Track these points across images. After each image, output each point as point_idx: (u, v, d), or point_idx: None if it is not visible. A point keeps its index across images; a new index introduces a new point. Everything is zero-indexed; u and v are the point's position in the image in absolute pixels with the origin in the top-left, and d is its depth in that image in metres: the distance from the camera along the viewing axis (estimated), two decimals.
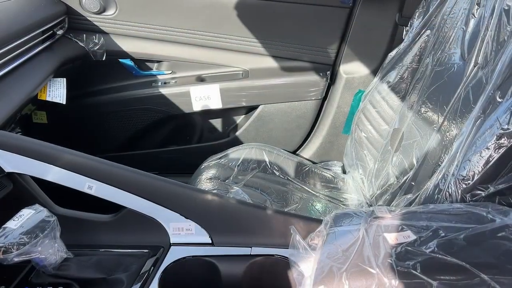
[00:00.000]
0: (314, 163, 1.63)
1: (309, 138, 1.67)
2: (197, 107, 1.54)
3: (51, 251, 0.70)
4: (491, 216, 0.73)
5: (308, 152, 1.68)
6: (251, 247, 0.82)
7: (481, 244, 0.68)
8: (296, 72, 1.53)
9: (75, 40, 1.45)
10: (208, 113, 1.61)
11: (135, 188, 0.81)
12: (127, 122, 1.59)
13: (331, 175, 1.51)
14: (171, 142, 1.67)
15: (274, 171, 1.43)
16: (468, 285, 0.64)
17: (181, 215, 0.82)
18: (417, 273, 0.64)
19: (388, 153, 1.26)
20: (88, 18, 1.46)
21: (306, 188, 1.42)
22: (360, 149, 1.43)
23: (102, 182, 0.80)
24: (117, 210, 0.85)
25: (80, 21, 1.45)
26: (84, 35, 1.46)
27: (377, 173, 1.31)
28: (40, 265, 0.71)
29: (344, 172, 1.58)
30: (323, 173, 1.51)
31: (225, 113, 1.63)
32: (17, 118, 1.26)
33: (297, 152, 1.69)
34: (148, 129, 1.62)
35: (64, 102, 1.29)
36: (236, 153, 1.44)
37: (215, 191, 1.26)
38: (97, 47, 1.47)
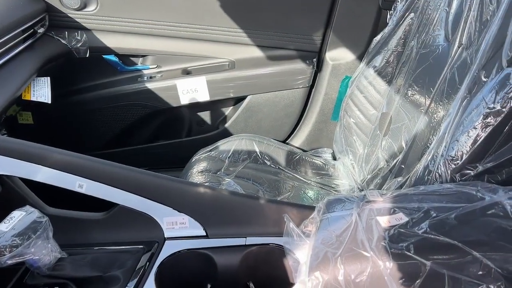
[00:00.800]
0: (304, 151, 1.64)
1: (298, 126, 1.67)
2: (184, 100, 1.53)
3: (44, 252, 0.70)
4: (480, 195, 0.74)
5: (298, 140, 1.68)
6: (245, 237, 0.82)
7: (472, 223, 0.69)
8: (282, 60, 1.53)
9: (57, 37, 1.43)
10: (196, 106, 1.60)
11: (126, 184, 0.80)
12: (115, 119, 1.57)
13: (322, 162, 1.52)
14: (160, 137, 1.66)
15: (265, 161, 1.43)
16: (460, 263, 0.66)
17: (174, 209, 0.82)
18: (410, 254, 0.65)
19: (377, 138, 1.27)
20: (69, 15, 1.43)
21: (298, 176, 1.43)
22: (349, 135, 1.43)
23: (93, 180, 0.79)
24: (110, 207, 0.84)
25: (61, 18, 1.43)
26: (66, 32, 1.44)
27: (367, 158, 1.32)
28: (34, 266, 0.71)
29: (334, 158, 1.59)
30: (313, 160, 1.52)
31: (213, 105, 1.62)
32: (2, 120, 1.24)
33: (287, 141, 1.70)
34: (136, 125, 1.61)
35: (49, 102, 1.27)
36: (226, 145, 1.44)
37: (207, 183, 1.26)
38: (80, 44, 1.45)
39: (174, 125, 1.65)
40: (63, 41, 1.43)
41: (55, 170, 0.78)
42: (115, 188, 0.80)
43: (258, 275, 0.82)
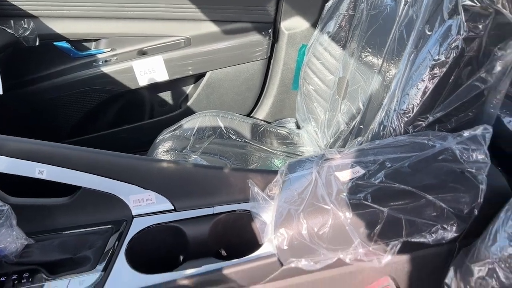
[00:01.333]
0: (268, 123, 1.65)
1: (261, 99, 1.68)
2: (143, 81, 1.51)
3: (9, 240, 0.69)
4: (432, 143, 0.78)
5: (261, 113, 1.69)
6: (213, 207, 0.84)
7: (424, 169, 0.73)
8: (238, 34, 1.52)
9: (2, 27, 1.37)
10: (156, 87, 1.58)
11: (87, 166, 0.80)
12: (74, 106, 1.53)
13: (286, 132, 1.54)
14: (123, 121, 1.63)
15: (231, 135, 1.44)
16: (415, 206, 0.69)
17: (139, 186, 0.82)
18: (368, 203, 0.69)
19: (336, 102, 1.30)
20: (13, 3, 1.37)
21: (264, 147, 1.45)
22: (310, 102, 1.46)
23: (53, 165, 0.78)
24: (74, 191, 0.84)
25: (4, 7, 1.37)
26: (12, 21, 1.38)
27: (329, 123, 1.35)
28: (1, 255, 0.70)
29: (298, 127, 1.61)
30: (278, 131, 1.54)
31: (173, 85, 1.61)
32: None
33: (251, 115, 1.71)
34: (97, 111, 1.57)
35: (1, 92, 1.23)
36: (190, 123, 1.44)
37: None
38: (28, 32, 1.40)
39: (135, 108, 1.63)
40: (9, 31, 1.38)
41: (12, 159, 0.77)
42: (77, 171, 0.79)
43: (229, 241, 0.84)
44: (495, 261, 0.61)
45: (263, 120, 1.68)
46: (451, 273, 0.72)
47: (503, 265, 0.60)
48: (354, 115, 1.18)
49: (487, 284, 0.63)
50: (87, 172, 0.80)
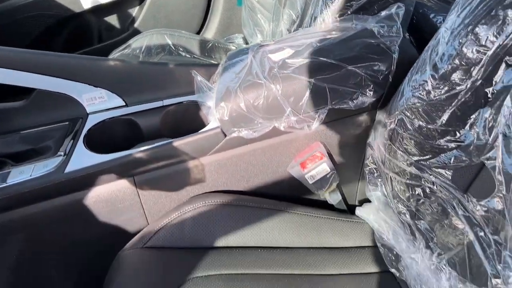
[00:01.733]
0: None
1: (208, 17, 1.71)
2: (86, 4, 1.50)
3: None
4: (354, 25, 0.87)
5: (210, 32, 1.73)
6: (162, 100, 0.91)
7: (346, 45, 0.82)
8: None
9: None
10: (102, 10, 1.58)
11: (39, 67, 0.83)
12: (19, 34, 1.51)
13: (235, 47, 1.60)
14: (73, 48, 1.63)
15: (180, 52, 1.48)
16: (337, 76, 0.79)
17: (90, 85, 0.87)
18: (296, 75, 0.78)
19: (278, 11, 1.36)
20: None
21: (213, 62, 1.50)
22: (254, 14, 1.50)
23: (4, 68, 0.81)
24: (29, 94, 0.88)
25: None
26: None
27: (273, 33, 1.41)
28: None
29: (246, 43, 1.67)
30: (227, 46, 1.59)
31: (118, 7, 1.61)
32: None
33: (199, 34, 1.74)
34: (45, 38, 1.56)
35: None
36: (137, 42, 1.47)
37: None
38: None
39: (83, 34, 1.62)
40: None
41: None
42: (29, 73, 0.83)
43: (180, 131, 0.92)
44: (402, 111, 0.72)
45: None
46: (372, 134, 0.84)
47: (408, 113, 0.71)
48: (294, 20, 1.25)
49: (397, 132, 0.74)
50: (39, 74, 0.84)
